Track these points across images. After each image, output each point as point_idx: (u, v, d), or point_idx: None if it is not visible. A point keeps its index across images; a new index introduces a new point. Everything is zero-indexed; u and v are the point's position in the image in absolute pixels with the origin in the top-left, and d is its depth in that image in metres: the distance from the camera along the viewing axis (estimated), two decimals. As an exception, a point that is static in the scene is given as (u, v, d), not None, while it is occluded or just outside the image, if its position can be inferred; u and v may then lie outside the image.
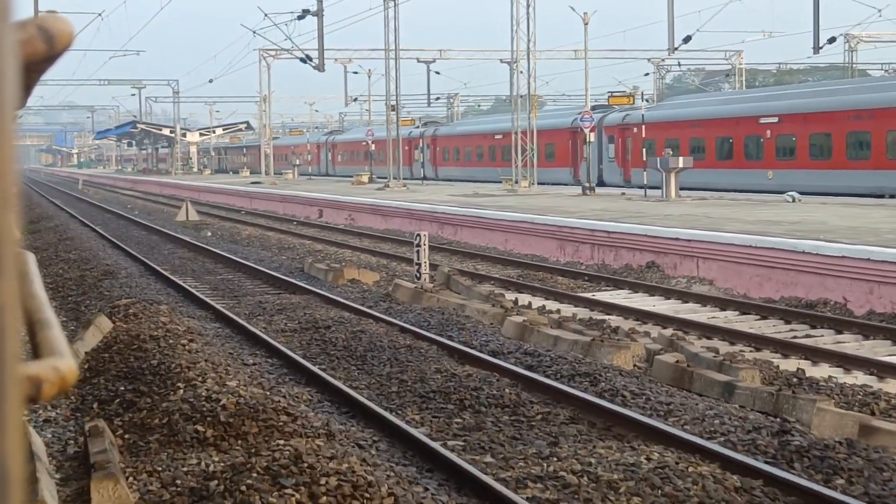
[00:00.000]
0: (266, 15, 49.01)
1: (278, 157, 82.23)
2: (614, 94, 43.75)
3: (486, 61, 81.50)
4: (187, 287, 20.42)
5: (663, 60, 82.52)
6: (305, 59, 47.84)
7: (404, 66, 78.73)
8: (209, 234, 38.50)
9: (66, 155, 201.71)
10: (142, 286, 20.82)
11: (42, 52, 0.99)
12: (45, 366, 0.96)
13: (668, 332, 14.84)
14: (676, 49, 42.53)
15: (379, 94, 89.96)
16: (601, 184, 46.58)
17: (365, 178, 55.54)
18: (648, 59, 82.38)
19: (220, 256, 27.00)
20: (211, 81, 78.15)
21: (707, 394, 11.59)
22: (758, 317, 16.93)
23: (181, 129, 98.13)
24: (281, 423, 9.02)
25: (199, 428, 9.06)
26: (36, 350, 1.16)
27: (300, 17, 46.17)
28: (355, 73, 74.31)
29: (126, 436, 9.62)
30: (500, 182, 50.87)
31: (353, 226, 37.84)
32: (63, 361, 0.99)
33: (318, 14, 46.30)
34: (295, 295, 19.29)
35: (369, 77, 66.99)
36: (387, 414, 9.98)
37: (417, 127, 67.03)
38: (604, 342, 13.06)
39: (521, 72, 79.98)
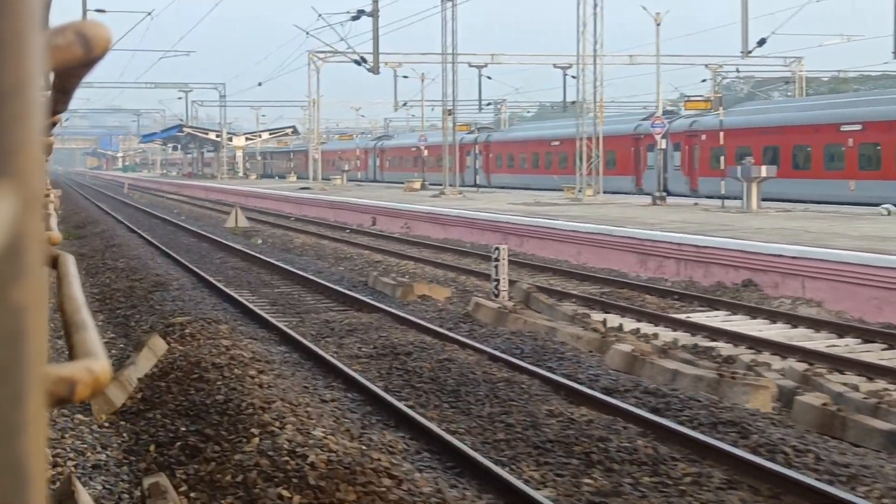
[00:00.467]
0: (320, 15, 47.49)
1: (326, 162, 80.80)
2: (690, 98, 41.76)
3: (538, 66, 79.86)
4: (244, 302, 18.83)
5: (720, 66, 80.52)
6: (360, 62, 46.28)
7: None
8: (260, 241, 37.06)
9: (110, 158, 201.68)
10: (195, 300, 19.26)
11: (80, 58, 1.00)
12: (78, 367, 0.97)
13: (800, 365, 13.03)
14: (749, 53, 40.51)
15: (430, 98, 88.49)
16: (666, 193, 44.72)
17: (417, 185, 53.93)
18: (706, 66, 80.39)
19: (274, 267, 25.44)
20: (260, 85, 76.92)
21: (864, 444, 9.85)
22: (884, 345, 15.11)
23: (227, 133, 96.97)
24: (383, 489, 7.35)
25: (284, 493, 7.41)
26: (71, 351, 1.24)
27: (355, 18, 44.61)
28: (405, 77, 72.69)
29: (192, 494, 7.99)
30: (558, 190, 49.16)
31: (410, 235, 36.20)
32: (97, 363, 1.00)
33: (374, 15, 44.74)
34: (363, 313, 17.66)
35: (422, 81, 65.32)
36: (504, 473, 8.28)
37: (471, 132, 65.34)
38: (735, 379, 11.30)
39: (574, 76, 78.21)
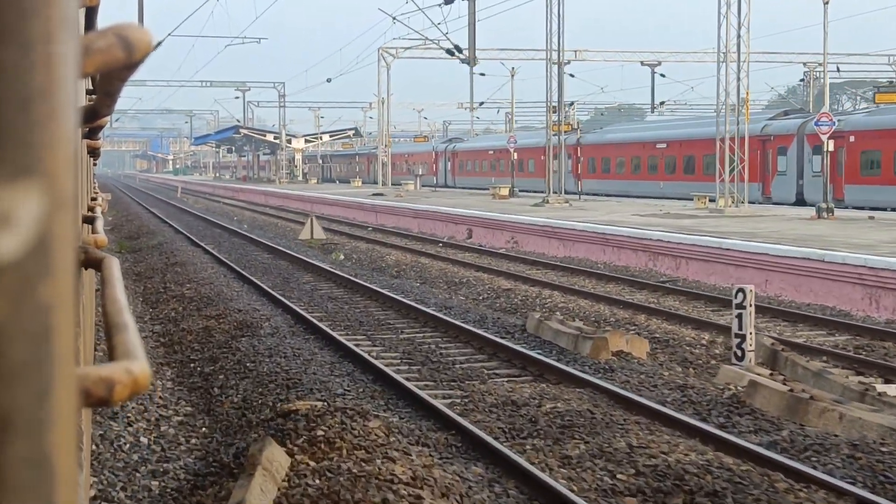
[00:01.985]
0: (409, -1, 41.88)
1: (394, 165, 75.38)
2: (881, 88, 35.60)
3: (626, 64, 74.13)
4: (373, 361, 13.34)
5: (819, 65, 74.38)
6: (453, 51, 40.70)
7: (532, 67, 71.57)
8: (342, 256, 31.76)
9: (161, 161, 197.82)
10: (303, 354, 13.85)
11: (121, 61, 1.02)
12: (118, 368, 0.99)
13: None
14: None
15: (505, 98, 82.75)
16: (800, 202, 38.91)
17: (505, 192, 48.36)
18: (804, 63, 74.33)
19: (382, 296, 20.02)
20: (329, 81, 71.30)
21: None
22: None
23: (286, 134, 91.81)
24: None
25: None
26: (112, 353, 1.25)
27: (448, 1, 38.99)
28: (482, 74, 67.23)
29: None
30: (665, 199, 43.42)
31: (521, 252, 30.67)
32: (137, 364, 1.02)
33: (470, -1, 39.18)
34: (547, 383, 12.14)
35: (512, 76, 59.59)
36: None
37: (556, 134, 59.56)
38: None
39: (662, 75, 72.38)
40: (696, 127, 48.17)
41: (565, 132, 45.84)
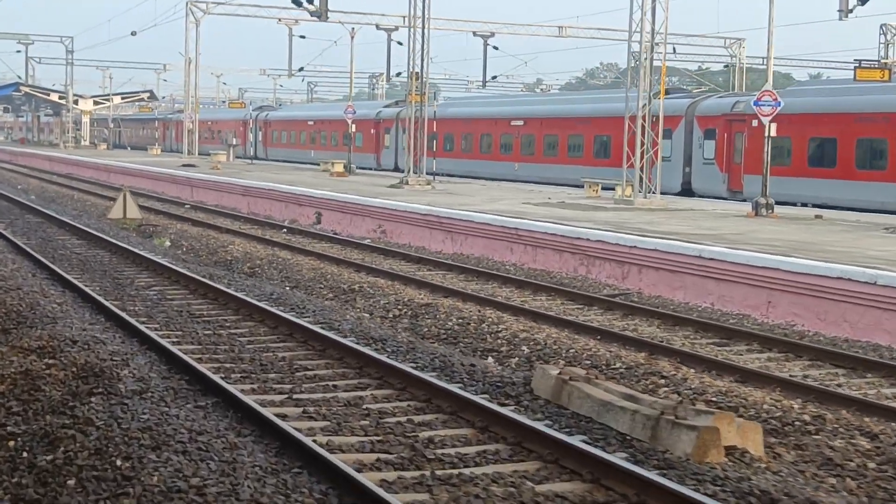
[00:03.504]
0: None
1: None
2: (862, 64, 31.09)
3: (455, 34, 69.01)
4: (323, 454, 7.75)
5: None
6: (301, 2, 34.59)
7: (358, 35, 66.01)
8: (168, 243, 25.76)
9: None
10: (211, 445, 8.15)
11: None
12: None
13: None
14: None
15: (328, 64, 76.65)
16: (687, 192, 34.69)
17: (341, 168, 42.63)
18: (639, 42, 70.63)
19: (261, 313, 14.35)
20: (134, 34, 63.39)
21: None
22: None
23: (74, 95, 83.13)
24: None
25: None
26: None
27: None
28: (302, 37, 61.05)
29: None
30: (505, 181, 38.53)
31: (394, 245, 25.25)
32: None
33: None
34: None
35: (352, 38, 53.48)
36: None
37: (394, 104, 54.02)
38: None
39: (496, 47, 67.66)
40: (562, 104, 43.46)
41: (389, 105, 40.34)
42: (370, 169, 51.50)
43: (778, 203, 30.44)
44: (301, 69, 61.45)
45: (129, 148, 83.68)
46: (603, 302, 17.11)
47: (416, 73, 33.50)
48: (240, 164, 54.03)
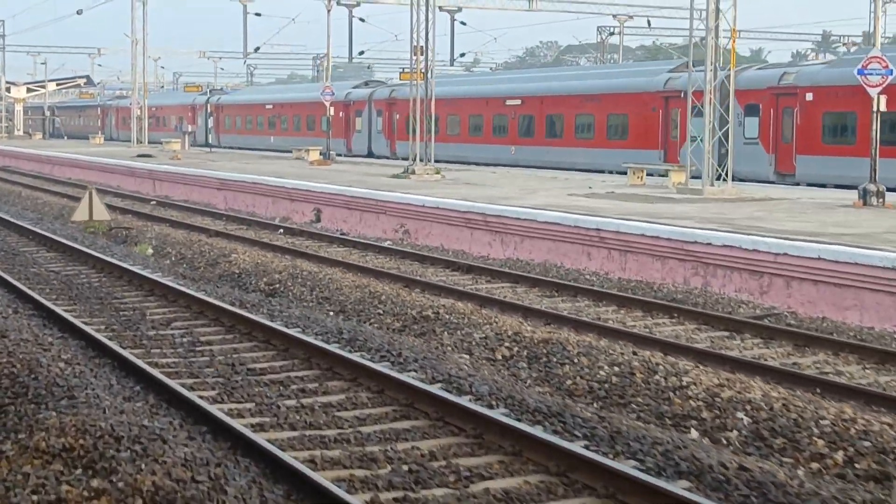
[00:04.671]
0: None
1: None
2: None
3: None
4: None
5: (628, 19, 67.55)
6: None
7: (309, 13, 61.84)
8: (150, 251, 21.60)
9: None
10: None
11: None
12: None
13: None
14: None
15: (286, 43, 71.99)
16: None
17: (317, 155, 38.35)
18: (614, 16, 67.04)
19: (365, 372, 10.31)
20: (80, 13, 58.25)
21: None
22: None
23: (7, 82, 77.68)
24: None
25: None
26: None
27: None
28: (258, 14, 56.47)
29: None
30: (516, 166, 34.58)
31: (419, 248, 21.21)
32: None
33: None
34: None
35: (329, 11, 48.83)
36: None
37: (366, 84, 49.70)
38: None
39: (463, 22, 63.64)
40: (567, 80, 39.40)
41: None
42: (339, 155, 47.25)
43: (839, 186, 26.93)
44: (257, 49, 56.76)
45: (65, 137, 78.49)
46: (752, 327, 13.22)
47: (420, 46, 29.35)
48: (198, 153, 49.44)
